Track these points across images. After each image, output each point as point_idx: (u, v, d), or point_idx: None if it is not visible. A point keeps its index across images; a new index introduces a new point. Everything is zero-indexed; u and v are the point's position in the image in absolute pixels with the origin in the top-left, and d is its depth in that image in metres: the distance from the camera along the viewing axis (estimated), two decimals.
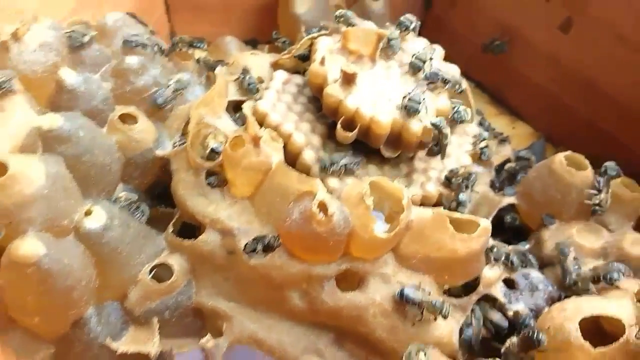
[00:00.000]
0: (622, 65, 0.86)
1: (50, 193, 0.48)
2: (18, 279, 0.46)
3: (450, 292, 0.59)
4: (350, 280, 0.54)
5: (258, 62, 0.78)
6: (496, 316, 0.62)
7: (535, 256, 0.68)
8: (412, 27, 0.73)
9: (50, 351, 0.52)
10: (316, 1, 0.92)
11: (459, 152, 0.72)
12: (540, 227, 0.71)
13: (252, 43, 1.02)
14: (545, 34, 0.93)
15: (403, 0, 1.03)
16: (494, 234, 0.66)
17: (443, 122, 0.63)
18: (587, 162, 0.68)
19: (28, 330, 0.51)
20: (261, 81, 0.73)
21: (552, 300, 0.62)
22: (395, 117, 0.63)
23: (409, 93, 0.63)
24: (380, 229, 0.52)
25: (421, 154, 0.70)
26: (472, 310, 0.60)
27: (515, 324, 0.61)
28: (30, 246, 0.46)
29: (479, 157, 0.73)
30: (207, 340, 0.54)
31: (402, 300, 0.54)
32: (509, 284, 0.63)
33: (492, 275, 0.61)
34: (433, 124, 0.63)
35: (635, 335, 0.50)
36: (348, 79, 0.64)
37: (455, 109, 0.66)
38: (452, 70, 0.71)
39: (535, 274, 0.64)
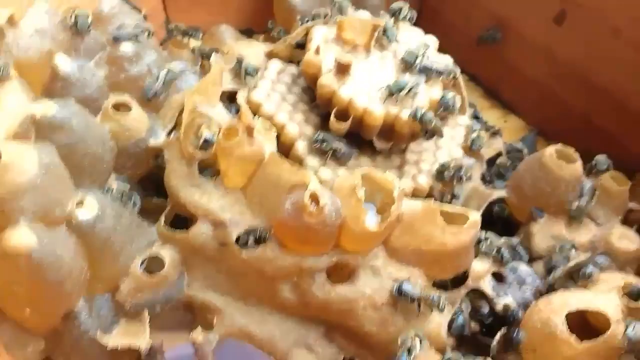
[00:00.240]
0: (616, 59, 0.86)
1: (43, 183, 0.47)
2: (9, 269, 0.46)
3: (438, 285, 0.60)
4: (340, 273, 0.55)
5: (253, 51, 0.78)
6: (483, 305, 0.63)
7: (525, 249, 0.69)
8: (403, 15, 0.73)
9: (40, 345, 0.52)
10: None
11: (450, 144, 0.73)
12: (529, 221, 0.71)
13: (248, 32, 1.02)
14: (540, 26, 0.93)
15: None
16: (484, 227, 0.67)
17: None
18: (576, 155, 0.69)
19: (18, 324, 0.51)
20: (256, 70, 0.73)
21: (540, 294, 0.63)
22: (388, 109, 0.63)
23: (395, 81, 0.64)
24: (371, 221, 0.52)
25: (413, 145, 0.71)
26: (460, 303, 0.61)
27: (505, 318, 0.62)
28: (22, 237, 0.45)
29: (469, 147, 0.73)
30: (198, 334, 0.54)
31: (400, 296, 0.54)
32: (498, 277, 0.64)
33: (480, 269, 0.62)
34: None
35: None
36: (342, 69, 0.64)
37: (443, 97, 0.66)
38: (445, 61, 0.71)
39: (523, 268, 0.65)
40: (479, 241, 0.63)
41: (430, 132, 0.66)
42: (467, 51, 1.05)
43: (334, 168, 0.65)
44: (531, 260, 0.69)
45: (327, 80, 0.64)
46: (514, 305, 0.62)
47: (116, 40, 0.64)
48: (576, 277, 0.61)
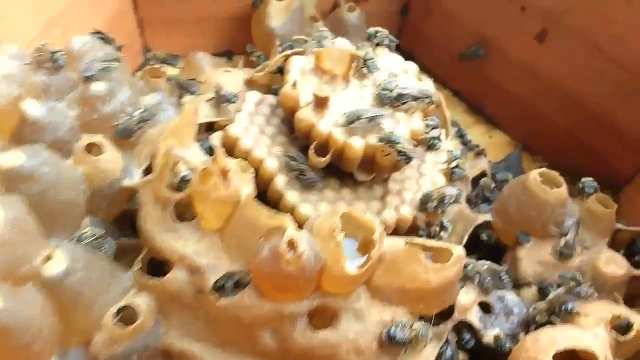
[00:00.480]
0: (597, 76, 0.86)
1: (9, 240, 0.46)
2: None
3: (425, 319, 0.59)
4: (322, 316, 0.53)
5: (231, 79, 0.77)
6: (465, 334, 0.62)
7: (511, 276, 0.68)
8: (380, 39, 0.72)
9: None
10: (291, 14, 0.90)
11: (432, 171, 0.72)
12: (515, 245, 0.70)
13: (228, 54, 1.01)
14: (522, 44, 0.93)
15: (379, 9, 1.02)
16: (470, 251, 0.66)
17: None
18: (561, 179, 0.68)
19: None
20: (235, 95, 0.72)
21: (527, 324, 0.62)
22: (367, 141, 0.62)
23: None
24: (352, 264, 0.51)
25: (396, 174, 0.70)
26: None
27: (494, 349, 0.61)
28: None
29: (450, 178, 0.72)
30: None
31: (390, 342, 0.53)
32: (484, 307, 0.63)
33: (467, 301, 0.61)
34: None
35: None
36: (320, 103, 0.63)
37: (430, 135, 0.65)
38: (422, 86, 0.70)
39: (510, 297, 0.64)
40: (465, 265, 0.62)
41: (405, 155, 0.64)
42: (449, 67, 1.05)
43: (315, 203, 0.63)
44: (518, 286, 0.69)
45: (305, 115, 0.63)
46: (502, 336, 0.61)
47: (87, 79, 0.62)
48: (558, 312, 0.60)
